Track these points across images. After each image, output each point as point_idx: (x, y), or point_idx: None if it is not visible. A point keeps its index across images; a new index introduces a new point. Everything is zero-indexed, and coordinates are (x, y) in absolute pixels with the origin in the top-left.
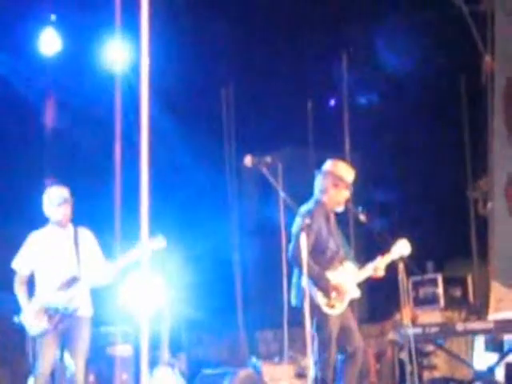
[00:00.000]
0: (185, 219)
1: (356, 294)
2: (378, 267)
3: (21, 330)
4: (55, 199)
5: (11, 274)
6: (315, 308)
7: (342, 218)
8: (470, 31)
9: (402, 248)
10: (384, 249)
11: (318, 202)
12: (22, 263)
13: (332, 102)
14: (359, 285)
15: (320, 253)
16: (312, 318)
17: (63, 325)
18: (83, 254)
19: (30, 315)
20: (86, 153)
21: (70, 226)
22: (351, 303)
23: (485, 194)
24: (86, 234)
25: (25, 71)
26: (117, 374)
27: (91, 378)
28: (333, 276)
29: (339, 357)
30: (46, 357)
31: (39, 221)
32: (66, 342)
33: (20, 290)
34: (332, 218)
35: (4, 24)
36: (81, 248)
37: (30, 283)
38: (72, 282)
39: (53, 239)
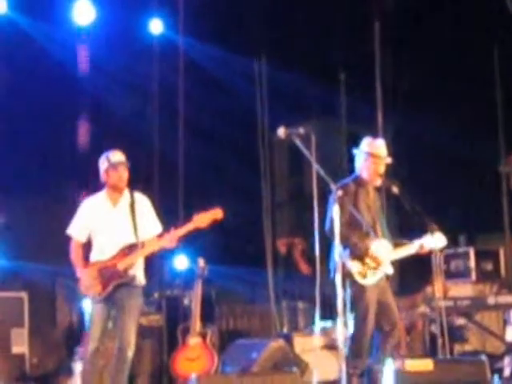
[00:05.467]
0: (216, 190)
1: (389, 270)
2: (422, 245)
3: (52, 301)
4: (112, 160)
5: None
6: (349, 278)
7: None
8: (503, 1)
9: (437, 241)
10: (419, 225)
11: (355, 177)
12: (78, 229)
13: None
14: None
15: (356, 225)
16: (349, 290)
17: (118, 293)
18: (140, 220)
19: (87, 280)
20: (121, 121)
21: (127, 192)
22: (386, 278)
23: None
24: (143, 201)
25: (60, 40)
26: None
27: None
28: (370, 245)
29: (376, 333)
30: (97, 322)
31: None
32: (118, 311)
33: (77, 256)
34: (371, 193)
35: None
36: (138, 214)
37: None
38: (130, 249)
39: (109, 205)
